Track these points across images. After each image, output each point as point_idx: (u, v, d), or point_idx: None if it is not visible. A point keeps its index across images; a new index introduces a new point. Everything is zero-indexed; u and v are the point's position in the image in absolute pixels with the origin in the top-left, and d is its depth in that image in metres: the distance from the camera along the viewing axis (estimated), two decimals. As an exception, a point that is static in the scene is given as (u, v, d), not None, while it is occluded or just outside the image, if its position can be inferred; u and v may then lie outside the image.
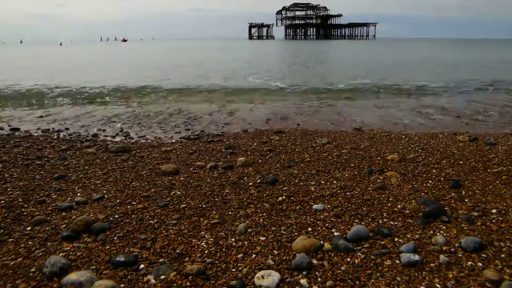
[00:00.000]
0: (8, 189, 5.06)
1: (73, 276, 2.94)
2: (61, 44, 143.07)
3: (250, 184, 5.18)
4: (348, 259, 3.21)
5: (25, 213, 4.29)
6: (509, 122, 10.12)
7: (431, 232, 3.65)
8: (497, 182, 5.04)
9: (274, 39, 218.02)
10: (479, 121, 10.33)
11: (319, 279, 2.95)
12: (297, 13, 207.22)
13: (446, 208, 4.14)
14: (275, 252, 3.35)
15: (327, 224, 3.88)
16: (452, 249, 3.31)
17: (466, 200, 4.43)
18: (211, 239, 3.61)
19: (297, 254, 3.26)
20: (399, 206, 4.29)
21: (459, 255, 3.22)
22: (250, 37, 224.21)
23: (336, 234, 3.66)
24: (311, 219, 4.01)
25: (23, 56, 56.13)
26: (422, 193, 4.67)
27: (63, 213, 4.28)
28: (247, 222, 3.98)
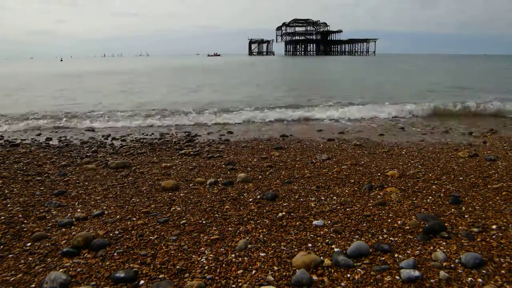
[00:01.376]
0: (8, 205, 5.06)
1: (73, 292, 2.94)
2: (61, 60, 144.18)
3: (250, 200, 5.19)
4: (348, 275, 3.20)
5: (25, 229, 4.29)
6: None
7: (431, 248, 3.65)
8: (497, 198, 5.04)
9: (274, 55, 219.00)
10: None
11: (319, 295, 2.94)
12: (297, 29, 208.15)
13: (446, 224, 4.14)
14: (275, 268, 3.35)
15: (327, 240, 3.88)
16: (452, 265, 3.30)
17: (466, 216, 4.43)
18: (211, 255, 3.61)
19: (297, 270, 3.25)
20: (399, 222, 4.29)
21: (459, 271, 3.22)
22: (250, 53, 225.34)
23: (336, 250, 3.66)
24: (311, 235, 4.01)
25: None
26: (422, 209, 4.68)
27: (63, 229, 4.28)
28: (247, 238, 3.98)
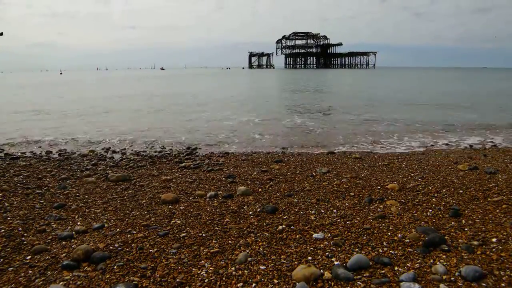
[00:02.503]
0: (8, 218, 5.07)
1: (73, 305, 2.93)
2: (61, 73, 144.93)
3: (250, 213, 5.19)
4: (348, 288, 3.20)
5: (25, 242, 4.28)
6: None
7: (431, 261, 3.64)
8: (497, 211, 5.04)
9: (274, 68, 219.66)
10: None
11: (319, 308, 2.93)
12: (297, 42, 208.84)
13: (446, 237, 4.14)
14: (275, 281, 3.34)
15: (327, 253, 3.88)
16: (452, 278, 3.30)
17: (466, 229, 4.42)
18: (211, 268, 3.60)
19: (297, 283, 3.25)
20: (399, 235, 4.29)
21: (459, 284, 3.21)
22: (250, 66, 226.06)
23: (336, 263, 3.65)
24: (311, 248, 4.01)
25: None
26: (422, 222, 4.67)
27: (63, 242, 4.28)
28: (247, 251, 3.98)
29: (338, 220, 4.80)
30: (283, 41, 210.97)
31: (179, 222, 4.86)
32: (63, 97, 32.76)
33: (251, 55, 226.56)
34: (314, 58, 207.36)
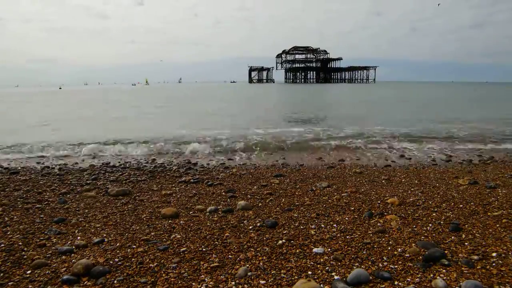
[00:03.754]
0: (8, 233, 5.07)
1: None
2: (60, 88, 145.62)
3: (250, 227, 5.19)
4: (349, 303, 3.19)
5: (25, 257, 4.28)
6: None
7: (431, 275, 3.64)
8: (497, 225, 5.04)
9: (274, 82, 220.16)
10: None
11: (319, 323, 2.93)
12: (297, 56, 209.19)
13: (446, 252, 4.15)
14: (275, 295, 3.34)
15: (327, 268, 3.88)
16: (453, 293, 3.30)
17: (466, 243, 4.43)
18: (211, 283, 3.60)
19: (297, 298, 3.24)
20: (399, 249, 4.29)
21: (460, 298, 3.21)
22: (250, 80, 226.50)
23: (336, 277, 3.65)
24: (311, 263, 4.01)
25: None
26: (422, 237, 4.68)
27: (63, 257, 4.28)
28: (247, 265, 3.98)
29: (338, 235, 4.81)
30: (283, 56, 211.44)
31: (179, 236, 4.87)
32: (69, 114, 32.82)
33: (251, 69, 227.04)
34: (314, 72, 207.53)
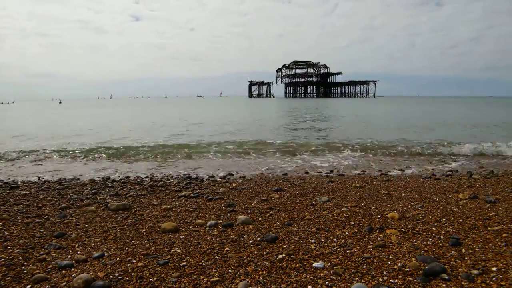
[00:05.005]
0: (8, 247, 5.06)
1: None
2: (60, 103, 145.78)
3: (250, 242, 5.19)
4: (349, 318, 3.19)
5: (25, 271, 4.28)
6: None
7: (432, 290, 3.64)
8: (497, 240, 5.04)
9: (274, 97, 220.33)
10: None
11: (319, 338, 2.92)
12: (297, 70, 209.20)
13: (446, 266, 4.14)
14: (275, 310, 3.33)
15: (327, 282, 3.87)
16: (453, 308, 3.29)
17: (466, 258, 4.42)
18: (211, 298, 3.60)
19: (297, 313, 3.24)
20: (399, 264, 4.29)
21: (460, 313, 3.20)
22: (250, 95, 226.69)
23: (336, 292, 3.65)
24: (311, 277, 4.01)
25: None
26: (422, 251, 4.68)
27: (63, 271, 4.28)
28: (247, 280, 3.97)
29: (338, 249, 4.81)
30: (283, 70, 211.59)
31: (179, 251, 4.86)
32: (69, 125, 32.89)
33: (251, 84, 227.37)
34: (314, 87, 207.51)
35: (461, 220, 6.01)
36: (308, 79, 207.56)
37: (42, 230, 5.86)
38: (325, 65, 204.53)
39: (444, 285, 3.74)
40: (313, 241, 5.15)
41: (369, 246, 4.89)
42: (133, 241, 5.31)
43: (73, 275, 4.14)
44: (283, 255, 4.64)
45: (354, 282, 3.85)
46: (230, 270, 4.23)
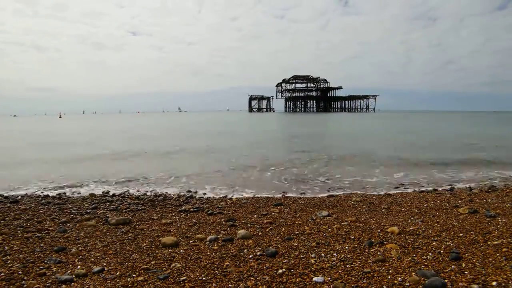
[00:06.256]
0: (8, 262, 5.06)
1: None
2: (60, 117, 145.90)
3: (250, 256, 5.19)
4: (349, 332, 3.19)
5: (25, 286, 4.28)
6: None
7: (432, 304, 3.63)
8: (497, 254, 5.04)
9: (274, 111, 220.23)
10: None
11: None
12: (297, 85, 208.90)
13: (446, 281, 4.14)
14: (275, 325, 3.33)
15: (327, 297, 3.87)
16: (453, 322, 3.29)
17: (466, 272, 4.42)
18: (211, 312, 3.59)
19: (297, 327, 3.24)
20: (399, 278, 4.29)
21: (461, 328, 3.20)
22: (250, 109, 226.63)
23: (336, 306, 3.65)
24: (311, 292, 4.00)
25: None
26: (422, 266, 4.67)
27: (63, 286, 4.28)
28: (247, 294, 3.97)
29: (338, 264, 4.80)
30: (283, 85, 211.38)
31: (179, 265, 4.86)
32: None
33: (251, 98, 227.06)
34: (314, 101, 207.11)
35: (461, 234, 6.01)
36: (308, 93, 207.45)
37: (42, 245, 5.85)
38: (325, 80, 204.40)
39: (444, 299, 3.73)
40: (313, 255, 5.15)
41: (369, 261, 4.89)
42: (133, 256, 5.30)
43: (73, 289, 4.14)
44: (283, 269, 4.63)
45: (354, 296, 3.85)
46: (230, 285, 4.23)
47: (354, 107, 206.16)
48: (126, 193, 10.85)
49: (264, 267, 4.74)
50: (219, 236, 6.20)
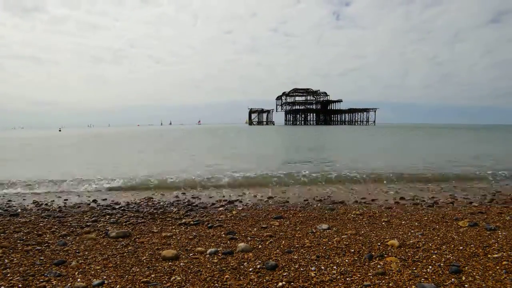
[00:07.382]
0: (8, 275, 5.06)
1: None
2: (60, 130, 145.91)
3: (250, 269, 5.19)
4: None
5: (24, 299, 4.28)
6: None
7: (432, 318, 3.63)
8: (497, 267, 5.05)
9: (274, 124, 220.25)
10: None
11: None
12: (297, 98, 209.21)
13: (446, 294, 4.14)
14: (275, 338, 3.33)
15: (327, 310, 3.87)
16: (454, 335, 3.29)
17: (466, 285, 4.43)
18: (211, 325, 3.59)
19: None
20: (400, 291, 4.29)
21: None
22: (250, 122, 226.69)
23: (336, 320, 3.65)
24: (312, 305, 4.00)
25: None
26: (422, 279, 4.68)
27: (63, 299, 4.28)
28: (247, 307, 3.97)
29: (338, 277, 4.81)
30: (283, 98, 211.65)
31: (179, 278, 4.86)
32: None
33: (251, 111, 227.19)
34: (314, 114, 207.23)
35: (461, 247, 6.02)
36: (308, 106, 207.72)
37: (42, 258, 5.85)
38: (325, 93, 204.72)
39: (444, 312, 3.73)
40: (313, 268, 5.15)
41: (369, 274, 4.90)
42: (133, 269, 5.30)
43: (73, 302, 4.14)
44: (283, 282, 4.64)
45: (354, 309, 3.85)
46: (230, 298, 4.23)
47: (354, 120, 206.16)
48: (126, 206, 10.83)
49: (264, 280, 4.75)
50: (219, 249, 6.20)
